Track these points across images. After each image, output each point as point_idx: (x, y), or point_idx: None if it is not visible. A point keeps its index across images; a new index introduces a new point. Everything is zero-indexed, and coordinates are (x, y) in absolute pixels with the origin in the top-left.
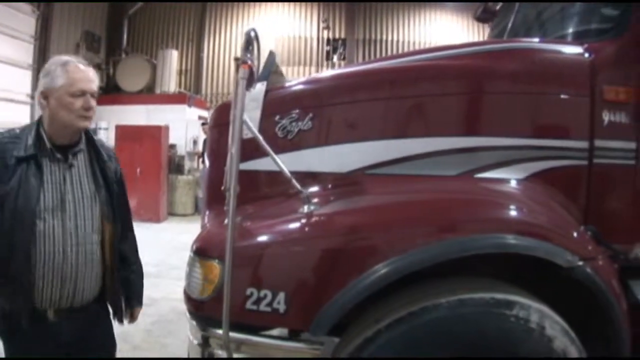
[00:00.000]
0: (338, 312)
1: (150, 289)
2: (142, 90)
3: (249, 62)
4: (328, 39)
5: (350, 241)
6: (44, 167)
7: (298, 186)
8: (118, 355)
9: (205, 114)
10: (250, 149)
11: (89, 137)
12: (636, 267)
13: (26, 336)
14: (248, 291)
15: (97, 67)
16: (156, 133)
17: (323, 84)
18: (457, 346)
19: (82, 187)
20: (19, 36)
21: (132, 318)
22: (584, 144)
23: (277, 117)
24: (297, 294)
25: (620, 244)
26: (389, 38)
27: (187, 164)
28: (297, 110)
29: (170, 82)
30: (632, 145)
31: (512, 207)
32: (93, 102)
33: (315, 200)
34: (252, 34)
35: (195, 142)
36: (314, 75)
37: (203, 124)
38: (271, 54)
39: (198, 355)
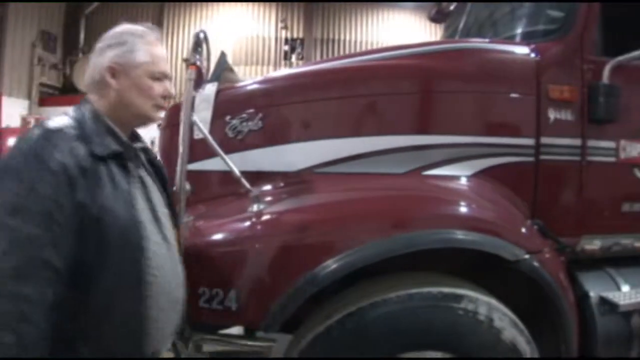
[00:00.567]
0: (288, 309)
1: None
2: None
3: (198, 63)
4: (286, 39)
5: (299, 238)
6: (130, 168)
7: (247, 185)
8: None
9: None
10: (201, 149)
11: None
12: (583, 260)
13: None
14: (200, 290)
15: (54, 67)
16: None
17: (273, 84)
18: (407, 340)
19: (154, 192)
20: None
21: None
22: (530, 141)
23: (227, 118)
24: (248, 291)
25: (567, 237)
26: (347, 38)
27: None
28: (248, 111)
29: None
30: (577, 142)
31: (459, 203)
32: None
33: (265, 199)
34: (202, 35)
35: (153, 143)
36: (265, 75)
37: (159, 125)
38: (222, 55)
39: None
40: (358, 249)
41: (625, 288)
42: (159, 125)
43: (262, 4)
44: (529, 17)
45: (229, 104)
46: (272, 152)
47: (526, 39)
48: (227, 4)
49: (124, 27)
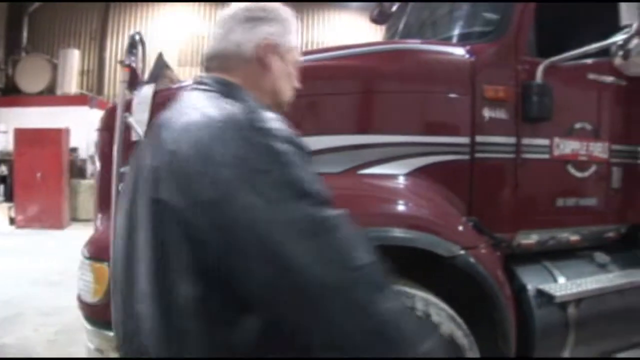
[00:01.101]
0: None
1: (54, 298)
2: (43, 92)
3: (133, 64)
4: None
5: None
6: None
7: None
8: None
9: None
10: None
11: None
12: (521, 254)
13: None
14: None
15: None
16: (57, 136)
17: None
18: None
19: None
20: None
21: None
22: (465, 140)
23: None
24: None
25: (504, 232)
26: None
27: (90, 168)
28: None
29: (72, 83)
30: (511, 140)
31: (394, 201)
32: None
33: None
34: (137, 37)
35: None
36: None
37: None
38: (160, 56)
39: None
40: None
41: (561, 280)
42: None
43: (208, 3)
44: (466, 19)
45: (167, 105)
46: None
47: (463, 40)
48: (173, 3)
49: (272, 4)
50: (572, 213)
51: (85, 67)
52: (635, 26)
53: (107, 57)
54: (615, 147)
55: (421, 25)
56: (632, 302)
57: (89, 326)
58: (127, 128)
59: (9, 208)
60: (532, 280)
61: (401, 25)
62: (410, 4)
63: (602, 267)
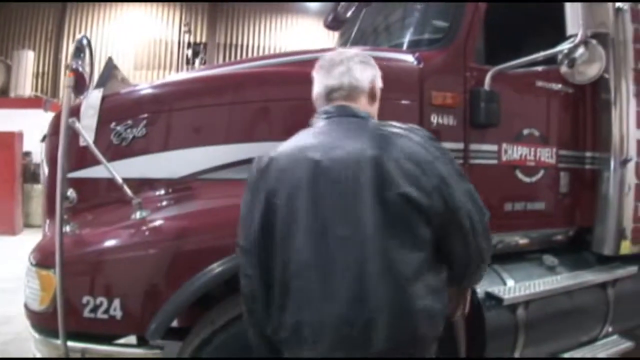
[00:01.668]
0: (172, 315)
1: (6, 306)
2: None
3: (80, 69)
4: (189, 43)
5: (180, 245)
6: None
7: (130, 193)
8: None
9: None
10: (87, 157)
11: None
12: None
13: None
14: (84, 299)
15: None
16: (9, 140)
17: (157, 90)
18: None
19: None
20: None
21: None
22: None
23: (113, 124)
24: (131, 299)
25: None
26: (251, 43)
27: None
28: (132, 117)
29: (26, 85)
30: (459, 145)
31: None
32: None
33: (148, 206)
34: (84, 41)
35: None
36: (152, 81)
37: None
38: (109, 60)
39: None
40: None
41: (510, 283)
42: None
43: (166, 6)
44: (416, 26)
45: (114, 110)
46: (156, 159)
47: (413, 47)
48: (130, 4)
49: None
50: (520, 217)
51: (40, 69)
52: (579, 35)
53: (63, 59)
54: (563, 152)
55: (373, 31)
56: (580, 303)
57: (36, 335)
58: (75, 133)
59: None
60: (482, 284)
61: (354, 32)
62: (364, 11)
63: (551, 270)
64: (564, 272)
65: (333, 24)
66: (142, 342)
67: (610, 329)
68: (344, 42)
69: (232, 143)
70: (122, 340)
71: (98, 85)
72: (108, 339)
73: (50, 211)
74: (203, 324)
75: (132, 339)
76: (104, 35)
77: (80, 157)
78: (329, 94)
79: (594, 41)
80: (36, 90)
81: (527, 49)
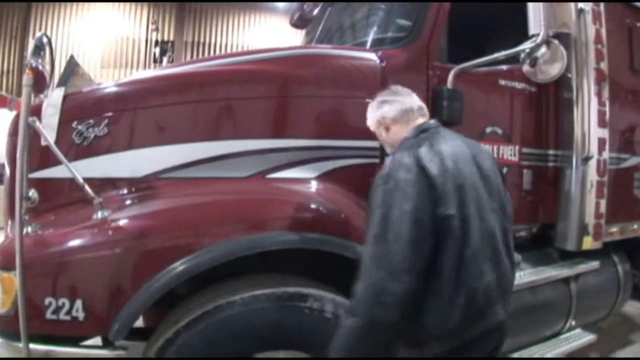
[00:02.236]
0: (134, 315)
1: None
2: None
3: (40, 67)
4: (157, 41)
5: (141, 245)
6: None
7: (91, 193)
8: None
9: None
10: (49, 157)
11: None
12: None
13: None
14: (46, 301)
15: None
16: None
17: (118, 89)
18: (254, 341)
19: None
20: None
21: None
22: (375, 144)
23: (74, 123)
24: (93, 300)
25: None
26: (219, 41)
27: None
28: (94, 116)
29: None
30: None
31: (302, 205)
32: None
33: (110, 205)
34: (44, 39)
35: None
36: (115, 80)
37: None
38: (71, 59)
39: None
40: (199, 252)
41: None
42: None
43: (133, 4)
44: (380, 25)
45: (76, 109)
46: (118, 158)
47: (377, 45)
48: (97, 3)
49: None
50: None
51: (6, 68)
52: (541, 35)
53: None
54: (526, 150)
55: (338, 30)
56: (544, 298)
57: None
58: (37, 133)
59: None
60: None
61: (319, 30)
62: (329, 10)
63: (515, 266)
64: (528, 268)
65: (299, 22)
66: (107, 343)
67: (573, 323)
68: (309, 41)
69: (195, 142)
70: (89, 342)
71: (60, 84)
72: (76, 341)
73: (11, 212)
74: (167, 324)
75: (99, 341)
76: (70, 33)
77: (42, 157)
78: (421, 113)
79: (555, 41)
80: (1, 89)
81: (492, 49)
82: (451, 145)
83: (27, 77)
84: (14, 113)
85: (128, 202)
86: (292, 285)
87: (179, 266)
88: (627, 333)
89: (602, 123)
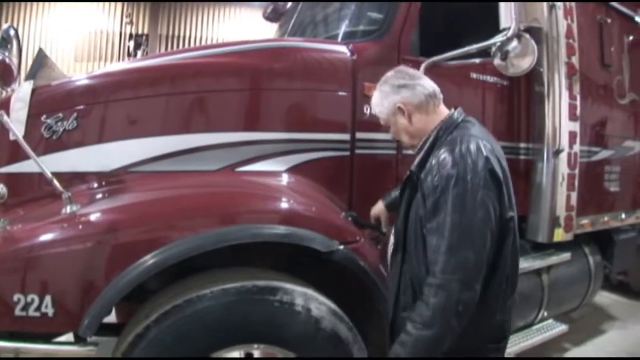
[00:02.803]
0: (104, 311)
1: None
2: None
3: (7, 60)
4: (131, 35)
5: (110, 239)
6: None
7: (60, 187)
8: None
9: None
10: (18, 151)
11: None
12: None
13: None
14: (15, 297)
15: None
16: None
17: (88, 82)
18: (225, 335)
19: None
20: None
21: None
22: (346, 137)
23: (44, 117)
24: (63, 296)
25: (388, 226)
26: (194, 35)
27: None
28: (63, 110)
29: None
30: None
31: (271, 198)
32: None
33: (79, 200)
34: (11, 32)
35: None
36: (86, 73)
37: None
38: (40, 52)
39: None
40: (168, 247)
41: None
42: None
43: None
44: (351, 18)
45: (45, 103)
46: (87, 152)
47: (348, 39)
48: None
49: None
50: None
51: None
52: (512, 29)
53: None
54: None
55: (310, 23)
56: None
57: None
58: (5, 127)
59: None
60: None
61: (292, 24)
62: (301, 3)
63: None
64: None
65: (272, 15)
66: (79, 340)
67: (545, 314)
68: (282, 34)
69: (166, 135)
70: (62, 338)
71: (28, 77)
72: (49, 338)
73: None
74: (138, 319)
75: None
76: (44, 27)
77: (11, 151)
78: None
79: (527, 35)
80: None
81: (465, 43)
82: (492, 141)
83: None
84: None
85: (98, 196)
86: (264, 279)
87: (148, 260)
88: (598, 323)
89: (573, 117)
